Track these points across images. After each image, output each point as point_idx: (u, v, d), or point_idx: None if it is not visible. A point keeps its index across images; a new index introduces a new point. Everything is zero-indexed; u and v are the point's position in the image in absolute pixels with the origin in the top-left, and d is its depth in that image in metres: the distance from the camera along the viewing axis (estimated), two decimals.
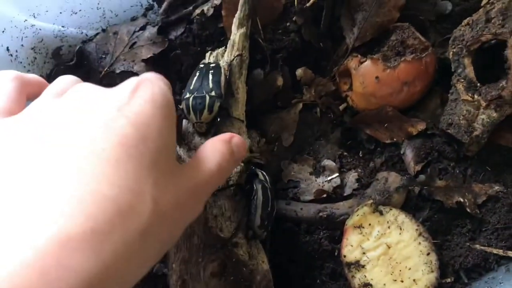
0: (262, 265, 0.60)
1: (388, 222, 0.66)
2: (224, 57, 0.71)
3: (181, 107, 0.64)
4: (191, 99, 0.62)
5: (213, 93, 0.62)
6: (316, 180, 0.74)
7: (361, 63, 0.74)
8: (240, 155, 0.45)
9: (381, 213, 0.66)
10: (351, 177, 0.73)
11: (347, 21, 0.79)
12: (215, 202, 0.60)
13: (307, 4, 0.76)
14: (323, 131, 0.79)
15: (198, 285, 0.55)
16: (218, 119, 0.63)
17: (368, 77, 0.73)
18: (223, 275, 0.56)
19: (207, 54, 0.74)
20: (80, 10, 0.80)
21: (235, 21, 0.73)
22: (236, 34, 0.71)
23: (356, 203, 0.70)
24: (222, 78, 0.65)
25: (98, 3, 0.80)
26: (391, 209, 0.66)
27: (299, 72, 0.78)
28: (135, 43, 0.79)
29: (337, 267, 0.68)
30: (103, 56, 0.80)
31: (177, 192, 0.35)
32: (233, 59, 0.70)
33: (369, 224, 0.66)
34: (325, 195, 0.72)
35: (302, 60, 0.80)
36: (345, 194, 0.73)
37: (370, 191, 0.72)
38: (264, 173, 0.65)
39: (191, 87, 0.64)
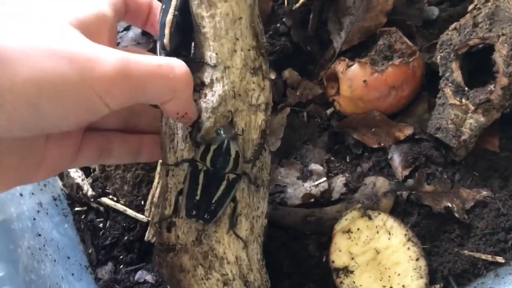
0: (217, 245, 0.52)
1: (376, 227, 0.65)
2: None
3: None
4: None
5: (159, 43, 0.50)
6: (303, 185, 0.72)
7: (349, 67, 0.74)
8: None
9: (369, 218, 0.65)
10: (339, 181, 0.72)
11: (335, 25, 0.79)
12: (174, 172, 0.53)
13: (296, 5, 0.75)
14: (310, 136, 0.78)
15: None
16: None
17: (356, 81, 0.73)
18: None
19: None
20: None
21: None
22: None
23: (344, 208, 0.69)
24: (168, 18, 0.49)
25: None
26: (379, 214, 0.65)
27: (285, 73, 0.77)
28: (118, 44, 0.77)
29: (326, 273, 0.66)
30: None
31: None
32: None
33: (358, 229, 0.65)
34: (312, 200, 0.71)
35: (289, 64, 0.79)
36: (332, 199, 0.71)
37: (358, 196, 0.71)
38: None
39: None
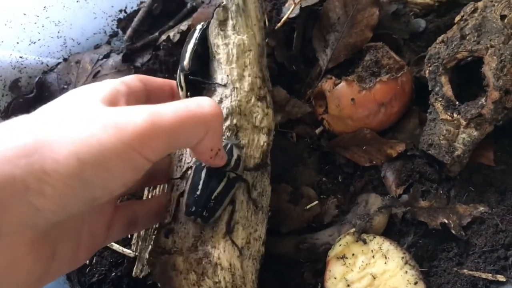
0: (212, 250, 0.53)
1: (372, 251, 0.62)
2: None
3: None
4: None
5: (180, 68, 0.58)
6: (294, 209, 0.70)
7: (336, 85, 0.72)
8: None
9: (364, 242, 0.63)
10: (331, 203, 0.70)
11: (319, 43, 0.77)
12: (179, 184, 0.56)
13: (278, 25, 0.73)
14: (300, 157, 0.75)
15: None
16: (188, 94, 0.58)
17: (344, 99, 0.71)
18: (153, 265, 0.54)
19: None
20: (39, 39, 0.76)
21: None
22: None
23: (336, 230, 0.66)
24: (190, 46, 0.58)
25: (59, 31, 0.77)
26: (374, 237, 0.63)
27: (273, 91, 0.75)
28: (98, 72, 0.75)
29: None
30: (65, 86, 0.76)
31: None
32: (213, 14, 0.60)
33: (353, 254, 0.62)
34: (305, 225, 0.68)
35: (275, 84, 0.77)
36: (325, 222, 0.69)
37: (350, 216, 0.68)
38: None
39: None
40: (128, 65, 0.75)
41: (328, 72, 0.76)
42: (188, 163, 0.56)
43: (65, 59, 0.78)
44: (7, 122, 0.37)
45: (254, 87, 0.58)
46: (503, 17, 0.64)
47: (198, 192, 0.52)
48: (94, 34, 0.80)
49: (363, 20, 0.75)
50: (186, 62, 0.57)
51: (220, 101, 0.56)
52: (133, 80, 0.48)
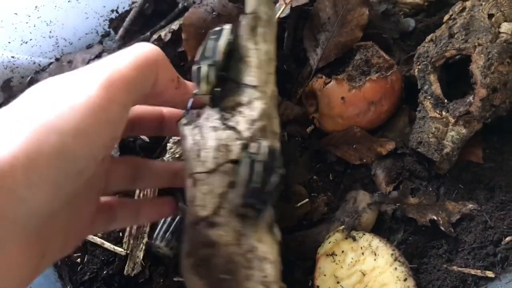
0: (258, 244, 0.53)
1: (361, 248, 0.63)
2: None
3: None
4: (194, 69, 0.57)
5: (209, 61, 0.56)
6: (286, 207, 0.70)
7: (326, 84, 0.72)
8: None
9: (354, 239, 0.63)
10: (320, 201, 0.71)
11: (310, 42, 0.77)
12: (207, 178, 0.54)
13: None
14: (291, 156, 0.76)
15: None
16: (220, 89, 0.56)
17: (334, 98, 0.71)
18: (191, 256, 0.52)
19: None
20: (31, 39, 0.76)
21: None
22: None
23: (325, 229, 0.67)
24: (221, 42, 0.58)
25: (50, 31, 0.77)
26: (364, 234, 0.64)
27: None
28: None
29: None
30: None
31: None
32: (242, 18, 0.62)
33: (342, 251, 0.63)
34: (296, 223, 0.69)
35: None
36: (315, 220, 0.69)
37: (339, 214, 0.69)
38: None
39: (199, 56, 0.59)
40: None
41: (319, 72, 0.76)
42: (216, 158, 0.55)
43: (57, 59, 0.79)
44: None
45: (274, 94, 0.59)
46: (490, 16, 0.64)
47: (255, 185, 0.52)
48: (86, 34, 0.80)
49: (353, 20, 0.75)
50: (219, 56, 0.56)
51: (250, 102, 0.56)
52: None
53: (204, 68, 0.56)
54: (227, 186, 0.54)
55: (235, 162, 0.54)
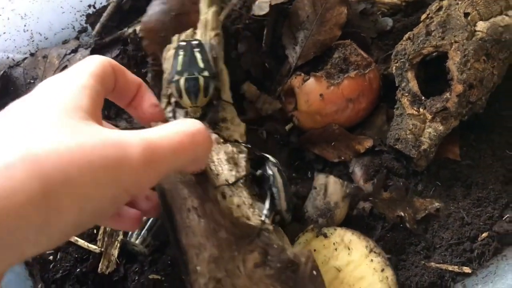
0: (291, 248, 0.54)
1: (334, 244, 0.62)
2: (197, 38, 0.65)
3: (170, 91, 0.58)
4: (181, 81, 0.55)
5: (206, 73, 0.56)
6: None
7: (305, 81, 0.72)
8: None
9: (325, 236, 0.63)
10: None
11: (289, 40, 0.77)
12: (233, 192, 0.54)
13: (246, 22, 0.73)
14: (270, 153, 0.75)
15: (239, 280, 0.48)
16: (214, 102, 0.57)
17: (313, 95, 0.71)
18: (266, 263, 0.50)
19: (174, 38, 0.66)
20: (4, 33, 0.74)
21: None
22: (207, 12, 0.66)
23: (298, 229, 0.66)
24: (210, 56, 0.59)
25: (25, 25, 0.75)
26: (335, 229, 0.63)
27: (244, 87, 0.75)
28: (66, 66, 0.74)
29: None
30: (32, 81, 0.75)
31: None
32: (211, 39, 0.63)
33: (314, 250, 0.62)
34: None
35: (246, 80, 0.77)
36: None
37: (309, 206, 0.67)
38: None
39: (179, 68, 0.57)
40: None
41: (298, 69, 0.76)
42: (232, 170, 0.56)
43: (32, 54, 0.77)
44: None
45: None
46: (466, 14, 0.65)
47: (289, 190, 0.59)
48: (62, 29, 0.79)
49: (332, 19, 0.76)
50: (214, 69, 0.57)
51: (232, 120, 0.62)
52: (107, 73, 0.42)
53: (202, 80, 0.55)
54: (253, 197, 0.56)
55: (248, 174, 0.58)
